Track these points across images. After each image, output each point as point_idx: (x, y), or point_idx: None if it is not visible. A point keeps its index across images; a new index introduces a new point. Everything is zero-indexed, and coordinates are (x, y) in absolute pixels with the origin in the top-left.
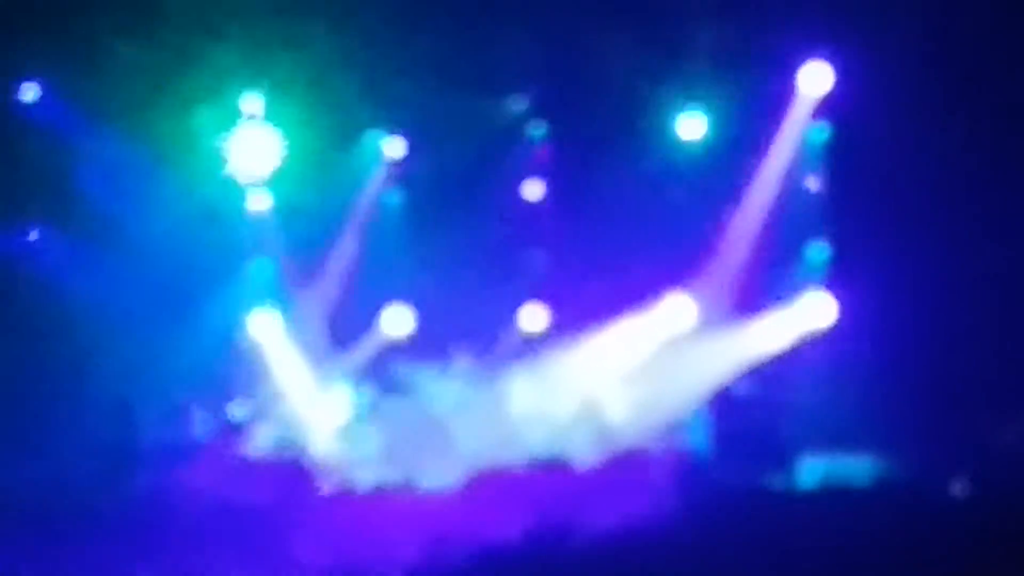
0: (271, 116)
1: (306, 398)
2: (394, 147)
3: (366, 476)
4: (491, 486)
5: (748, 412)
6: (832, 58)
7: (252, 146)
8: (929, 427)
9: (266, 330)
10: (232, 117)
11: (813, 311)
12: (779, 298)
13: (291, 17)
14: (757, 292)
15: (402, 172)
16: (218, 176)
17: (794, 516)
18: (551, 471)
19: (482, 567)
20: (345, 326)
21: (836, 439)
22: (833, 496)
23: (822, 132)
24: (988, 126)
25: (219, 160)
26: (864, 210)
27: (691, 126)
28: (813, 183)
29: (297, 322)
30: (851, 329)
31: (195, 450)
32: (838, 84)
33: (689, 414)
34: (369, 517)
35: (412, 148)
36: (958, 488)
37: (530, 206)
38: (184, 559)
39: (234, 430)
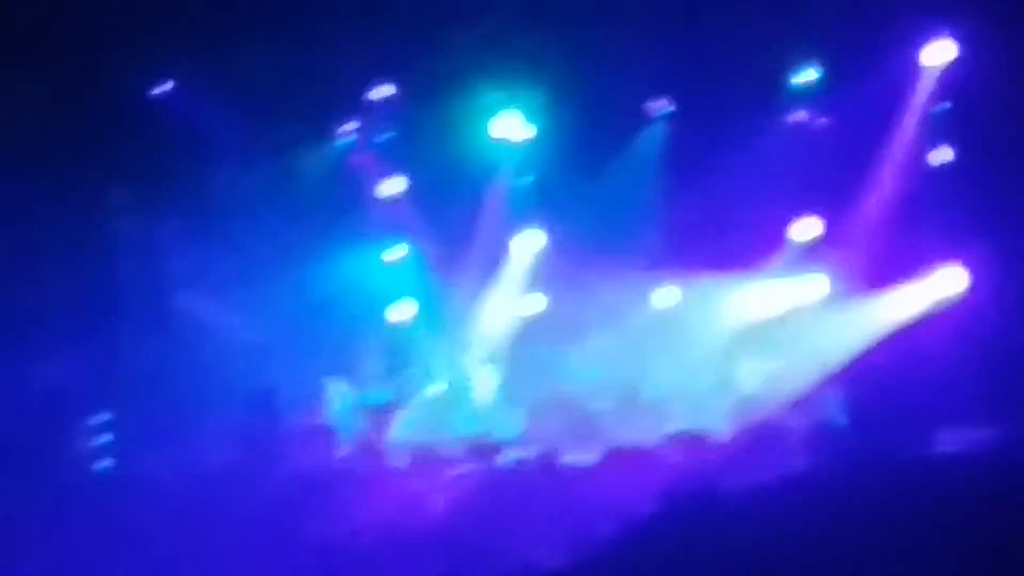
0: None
1: (449, 381)
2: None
3: (508, 455)
4: (629, 461)
5: (883, 384)
6: (954, 33)
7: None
8: None
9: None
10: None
11: (945, 282)
12: (911, 270)
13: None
14: (889, 264)
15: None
16: None
17: (930, 484)
18: (689, 446)
19: (622, 539)
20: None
21: (971, 411)
22: (971, 463)
23: (945, 107)
24: None
25: None
26: (992, 181)
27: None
28: (940, 156)
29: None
30: (983, 300)
31: (336, 436)
32: (961, 59)
33: (824, 387)
34: (511, 495)
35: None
36: None
37: (652, 184)
38: (330, 544)
39: (376, 415)
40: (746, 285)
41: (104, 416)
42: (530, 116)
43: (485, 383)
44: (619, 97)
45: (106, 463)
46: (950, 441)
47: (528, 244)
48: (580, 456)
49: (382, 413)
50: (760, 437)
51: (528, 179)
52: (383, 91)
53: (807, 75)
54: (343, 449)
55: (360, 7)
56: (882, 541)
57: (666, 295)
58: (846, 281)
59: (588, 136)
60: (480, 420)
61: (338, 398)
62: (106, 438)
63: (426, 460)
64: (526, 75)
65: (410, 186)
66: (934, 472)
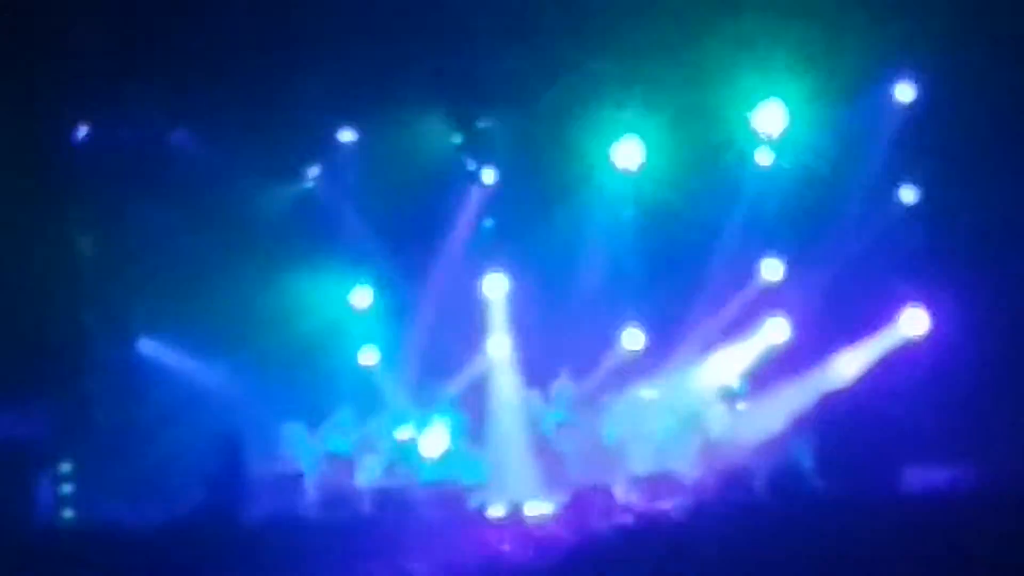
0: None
1: (413, 426)
2: None
3: (474, 500)
4: (593, 501)
5: (848, 426)
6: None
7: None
8: None
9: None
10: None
11: (908, 323)
12: (875, 312)
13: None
14: (852, 306)
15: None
16: None
17: (896, 524)
18: (654, 486)
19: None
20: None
21: (937, 450)
22: (935, 503)
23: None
24: None
25: None
26: (957, 222)
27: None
28: (907, 196)
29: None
30: (947, 340)
31: (302, 480)
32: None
33: (789, 428)
34: (476, 539)
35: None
36: None
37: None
38: None
39: (342, 460)
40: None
41: (68, 465)
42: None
43: (446, 428)
44: None
45: (70, 512)
46: (914, 481)
47: (496, 287)
48: (546, 500)
49: (348, 458)
50: (726, 479)
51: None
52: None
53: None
54: (310, 495)
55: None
56: None
57: (632, 338)
58: (807, 324)
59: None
60: (447, 465)
61: (304, 444)
62: (69, 487)
63: (395, 505)
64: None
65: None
66: (898, 512)
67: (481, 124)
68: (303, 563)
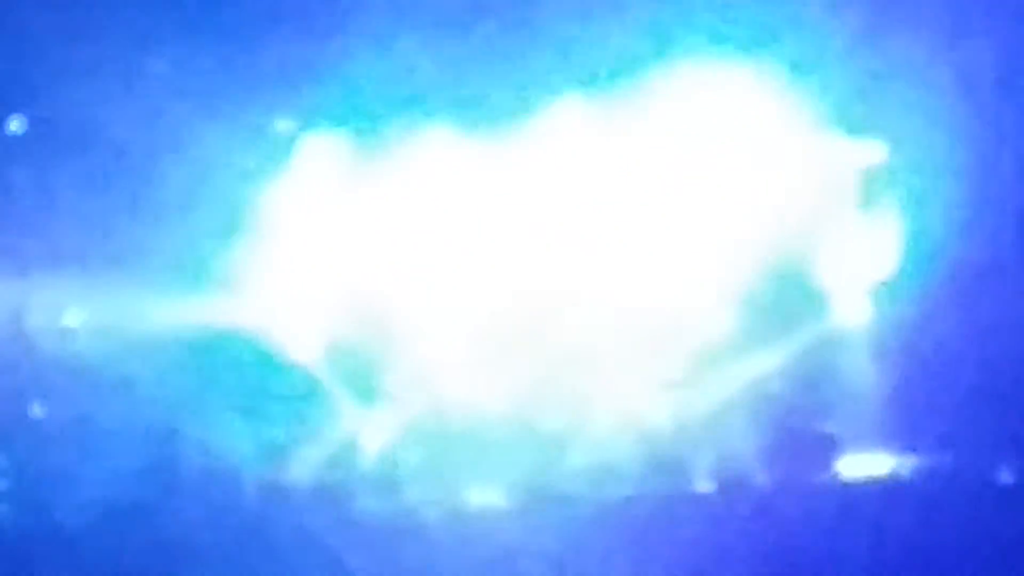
0: None
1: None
2: None
3: (412, 495)
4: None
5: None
6: None
7: None
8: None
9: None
10: None
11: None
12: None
13: None
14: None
15: None
16: None
17: (840, 513)
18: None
19: None
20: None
21: (881, 436)
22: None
23: None
24: None
25: None
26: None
27: None
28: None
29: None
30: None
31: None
32: None
33: (730, 420)
34: (416, 536)
35: None
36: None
37: None
38: None
39: (279, 455)
40: None
41: None
42: None
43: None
44: None
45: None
46: (856, 468)
47: None
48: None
49: (285, 453)
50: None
51: None
52: None
53: None
54: (246, 492)
55: None
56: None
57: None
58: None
59: None
60: (385, 457)
61: (241, 438)
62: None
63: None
64: None
65: None
66: (838, 499)
67: None
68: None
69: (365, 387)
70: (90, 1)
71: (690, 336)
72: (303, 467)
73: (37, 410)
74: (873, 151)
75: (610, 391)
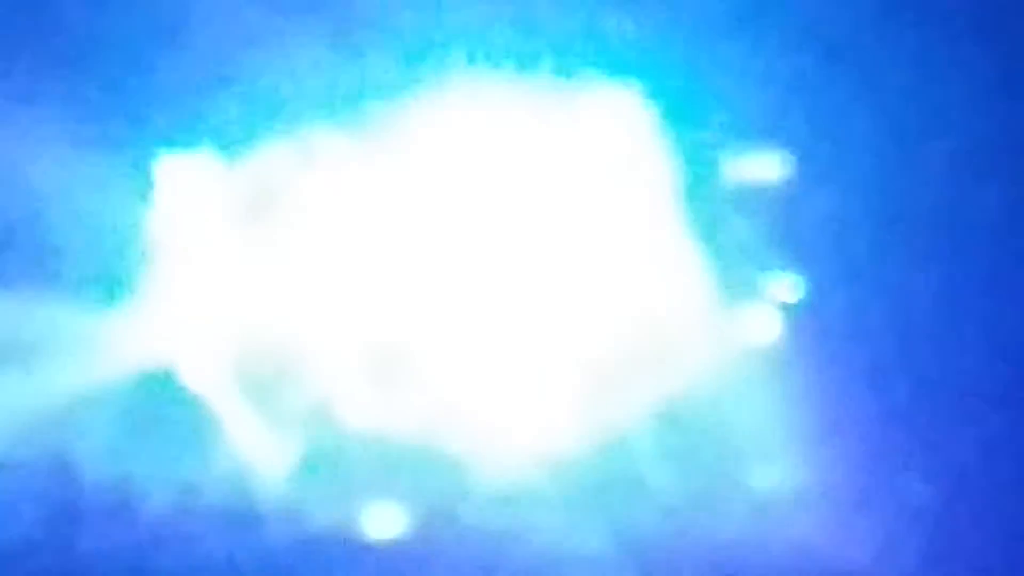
0: None
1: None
2: None
3: (319, 518)
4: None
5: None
6: None
7: None
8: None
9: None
10: None
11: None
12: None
13: None
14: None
15: None
16: None
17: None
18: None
19: None
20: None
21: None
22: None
23: None
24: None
25: None
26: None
27: None
28: None
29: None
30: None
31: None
32: None
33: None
34: (320, 564)
35: None
36: None
37: None
38: None
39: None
40: None
41: None
42: None
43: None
44: None
45: None
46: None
47: None
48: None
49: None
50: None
51: None
52: None
53: None
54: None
55: None
56: None
57: None
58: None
59: None
60: (287, 483)
61: (140, 465)
62: None
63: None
64: None
65: None
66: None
67: None
68: None
69: (265, 411)
70: None
71: (595, 353)
72: (206, 494)
73: None
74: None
75: (515, 412)
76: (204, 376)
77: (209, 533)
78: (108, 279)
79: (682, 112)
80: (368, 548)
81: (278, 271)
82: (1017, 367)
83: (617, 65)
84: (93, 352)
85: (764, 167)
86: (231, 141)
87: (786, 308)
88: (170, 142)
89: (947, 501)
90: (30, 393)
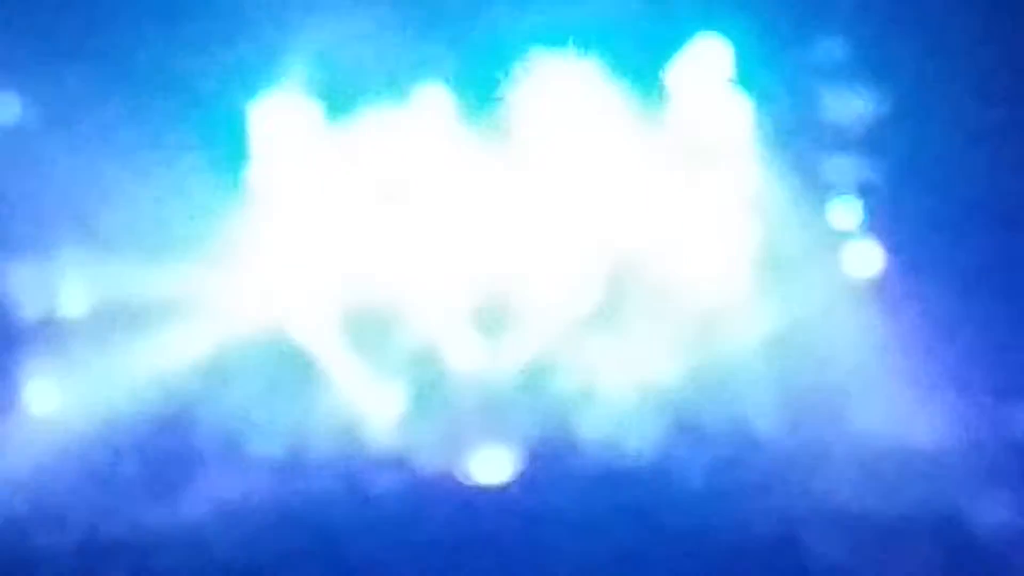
0: None
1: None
2: None
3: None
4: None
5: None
6: None
7: None
8: None
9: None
10: None
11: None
12: None
13: None
14: None
15: None
16: None
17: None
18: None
19: None
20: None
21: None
22: None
23: None
24: None
25: None
26: None
27: None
28: None
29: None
30: None
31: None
32: None
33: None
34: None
35: None
36: None
37: None
38: None
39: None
40: None
41: None
42: None
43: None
44: None
45: None
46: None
47: None
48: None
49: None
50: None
51: None
52: None
53: None
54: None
55: None
56: None
57: None
58: None
59: None
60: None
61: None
62: None
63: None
64: None
65: None
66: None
67: None
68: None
69: (372, 359)
70: None
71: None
72: (317, 443)
73: None
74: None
75: (620, 353)
76: (311, 327)
77: (320, 481)
78: (212, 238)
79: (774, 51)
80: (476, 492)
81: (380, 221)
82: None
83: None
84: (202, 311)
85: (863, 106)
86: (331, 96)
87: (887, 242)
88: (266, 96)
89: None
90: (145, 352)
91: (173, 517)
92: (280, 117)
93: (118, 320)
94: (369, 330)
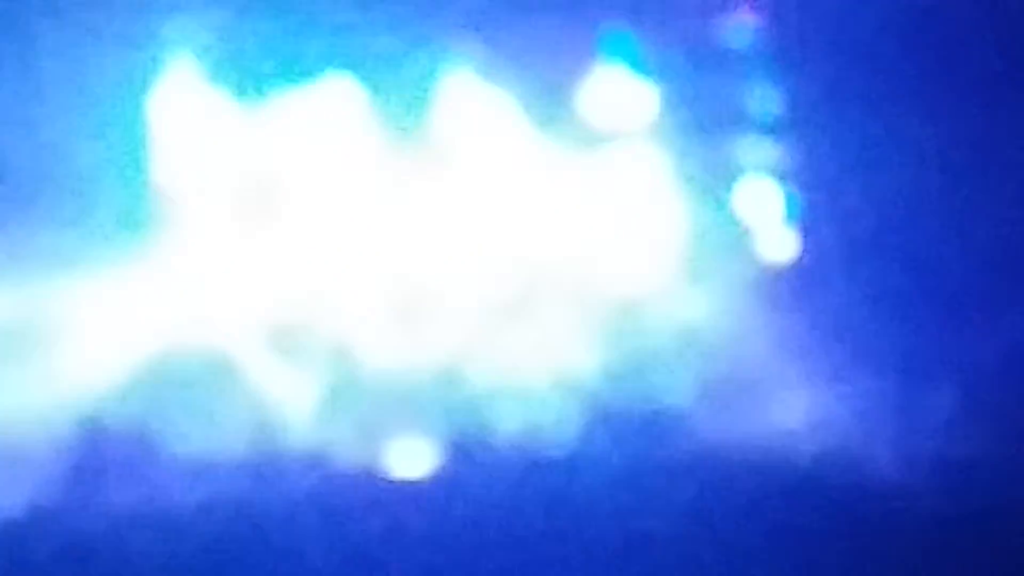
0: None
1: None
2: None
3: (343, 460)
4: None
5: None
6: None
7: None
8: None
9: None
10: None
11: None
12: None
13: None
14: None
15: None
16: None
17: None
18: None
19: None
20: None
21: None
22: None
23: None
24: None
25: None
26: None
27: None
28: None
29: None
30: None
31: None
32: None
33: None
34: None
35: None
36: None
37: None
38: None
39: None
40: None
41: None
42: None
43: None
44: None
45: None
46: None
47: None
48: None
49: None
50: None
51: None
52: None
53: None
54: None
55: None
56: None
57: None
58: None
59: None
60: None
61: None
62: None
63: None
64: None
65: None
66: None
67: None
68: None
69: (285, 355)
70: None
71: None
72: (230, 442)
73: None
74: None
75: (535, 345)
76: (224, 326)
77: (234, 480)
78: (117, 239)
79: (680, 36)
80: (395, 487)
81: (291, 217)
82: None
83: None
84: (112, 312)
85: (776, 89)
86: (244, 87)
87: (802, 228)
88: (166, 89)
89: (967, 413)
90: (53, 357)
91: (85, 523)
92: (181, 110)
93: (27, 326)
94: (282, 327)
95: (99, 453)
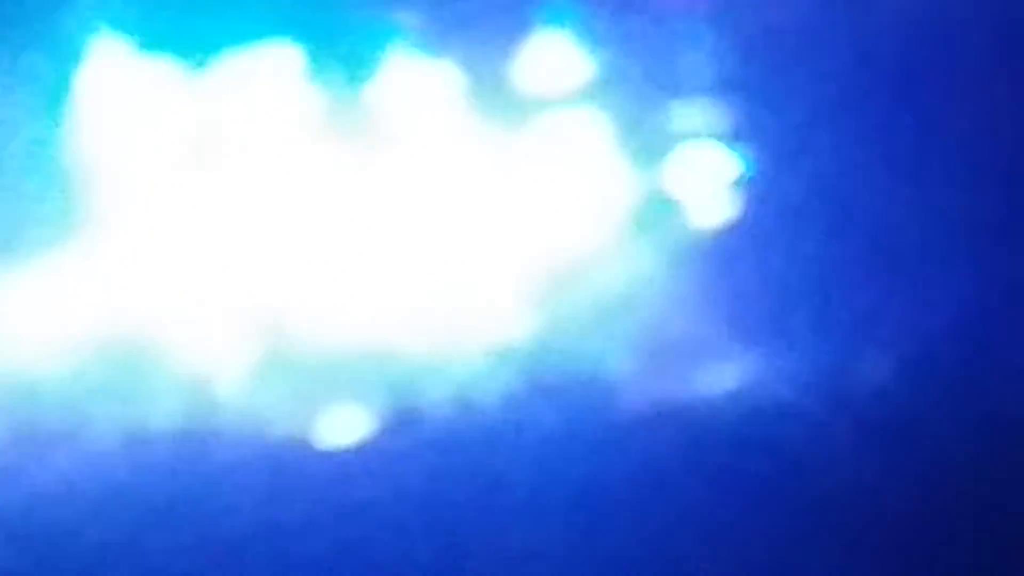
0: None
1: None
2: None
3: (275, 429)
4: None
5: None
6: None
7: None
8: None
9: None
10: None
11: None
12: None
13: None
14: None
15: None
16: None
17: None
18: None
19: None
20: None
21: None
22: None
23: None
24: None
25: None
26: None
27: None
28: None
29: None
30: None
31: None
32: None
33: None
34: (278, 473)
35: None
36: None
37: None
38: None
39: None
40: None
41: None
42: None
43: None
44: None
45: None
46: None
47: None
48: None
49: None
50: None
51: None
52: None
53: None
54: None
55: None
56: None
57: None
58: None
59: None
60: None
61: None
62: None
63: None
64: None
65: None
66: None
67: None
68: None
69: (216, 326)
70: None
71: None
72: (159, 417)
73: None
74: None
75: (467, 312)
76: (153, 298)
77: (164, 455)
78: (52, 208)
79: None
80: (326, 455)
81: (227, 185)
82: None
83: None
84: (41, 294)
85: (713, 51)
86: (176, 59)
87: (738, 192)
88: (94, 59)
89: (906, 378)
90: None
91: (11, 499)
92: (111, 84)
93: None
94: (211, 299)
95: (30, 430)
